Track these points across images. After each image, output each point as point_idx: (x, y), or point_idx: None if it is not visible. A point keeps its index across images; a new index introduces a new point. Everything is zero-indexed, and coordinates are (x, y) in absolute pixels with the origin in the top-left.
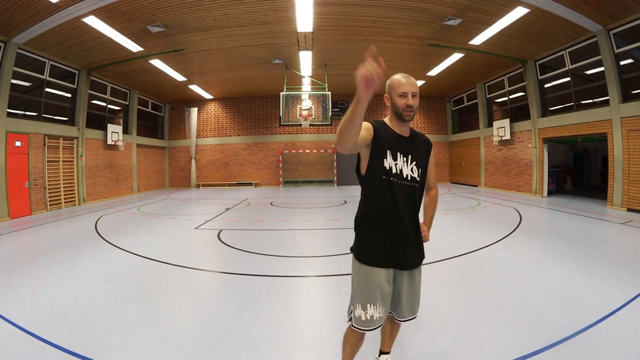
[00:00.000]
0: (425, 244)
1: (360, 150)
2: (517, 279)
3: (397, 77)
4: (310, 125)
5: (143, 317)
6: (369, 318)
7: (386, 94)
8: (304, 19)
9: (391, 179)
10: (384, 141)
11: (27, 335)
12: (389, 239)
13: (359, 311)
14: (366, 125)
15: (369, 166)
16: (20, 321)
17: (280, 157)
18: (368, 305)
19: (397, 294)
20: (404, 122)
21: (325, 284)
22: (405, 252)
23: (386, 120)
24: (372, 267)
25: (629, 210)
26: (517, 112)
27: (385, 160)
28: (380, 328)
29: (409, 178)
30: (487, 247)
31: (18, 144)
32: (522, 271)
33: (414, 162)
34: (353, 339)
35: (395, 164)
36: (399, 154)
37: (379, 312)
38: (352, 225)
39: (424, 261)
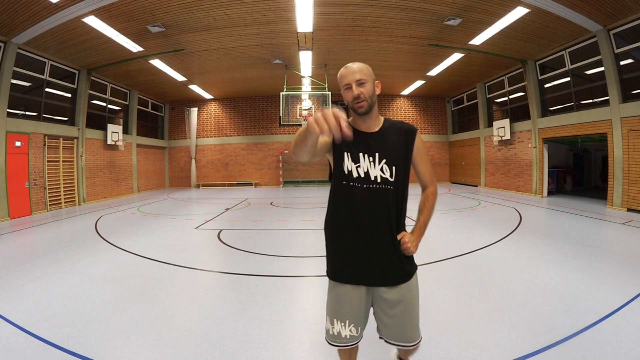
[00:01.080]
0: (420, 251)
1: (321, 157)
2: (517, 279)
3: (340, 70)
4: None
5: (143, 317)
6: (335, 334)
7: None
8: (304, 19)
9: (352, 183)
10: (342, 143)
11: (27, 335)
12: (354, 251)
13: (327, 324)
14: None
15: (331, 172)
16: (20, 321)
17: (280, 157)
18: (335, 320)
19: (379, 315)
20: (362, 116)
21: (325, 284)
22: (373, 266)
23: (350, 119)
24: (337, 282)
25: (629, 210)
26: (517, 112)
27: (343, 164)
28: (353, 347)
29: (378, 180)
30: (487, 247)
31: (18, 144)
32: (522, 271)
33: (384, 160)
34: (343, 353)
35: (358, 167)
36: (361, 154)
37: (350, 331)
38: None
39: (425, 263)
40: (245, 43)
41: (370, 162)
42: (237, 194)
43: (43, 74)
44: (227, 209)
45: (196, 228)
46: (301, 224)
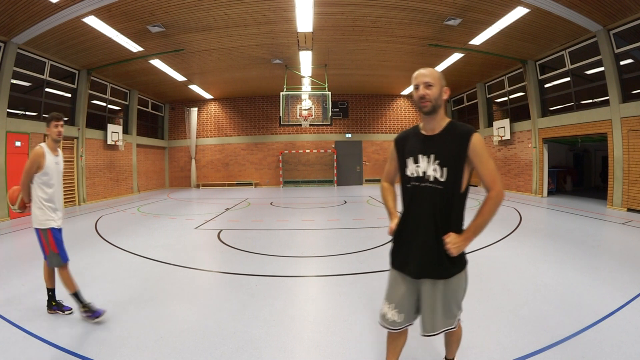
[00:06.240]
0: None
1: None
2: (517, 279)
3: (415, 72)
4: (310, 125)
5: (143, 317)
6: (382, 314)
7: None
8: (304, 19)
9: (412, 183)
10: (404, 152)
11: (27, 335)
12: (402, 242)
13: (381, 305)
14: (391, 155)
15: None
16: (21, 321)
17: (280, 157)
18: (385, 301)
19: (421, 304)
20: (426, 116)
21: (325, 284)
22: (411, 258)
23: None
24: (391, 266)
25: (629, 210)
26: (517, 112)
27: (406, 169)
28: (401, 332)
29: (430, 179)
30: (487, 247)
31: (18, 144)
32: (522, 271)
33: (437, 161)
34: (388, 337)
35: (418, 167)
36: (420, 156)
37: (393, 315)
38: (352, 225)
39: None
40: (245, 43)
41: (427, 162)
42: (237, 194)
43: (43, 74)
44: (227, 209)
45: (196, 228)
46: (301, 224)
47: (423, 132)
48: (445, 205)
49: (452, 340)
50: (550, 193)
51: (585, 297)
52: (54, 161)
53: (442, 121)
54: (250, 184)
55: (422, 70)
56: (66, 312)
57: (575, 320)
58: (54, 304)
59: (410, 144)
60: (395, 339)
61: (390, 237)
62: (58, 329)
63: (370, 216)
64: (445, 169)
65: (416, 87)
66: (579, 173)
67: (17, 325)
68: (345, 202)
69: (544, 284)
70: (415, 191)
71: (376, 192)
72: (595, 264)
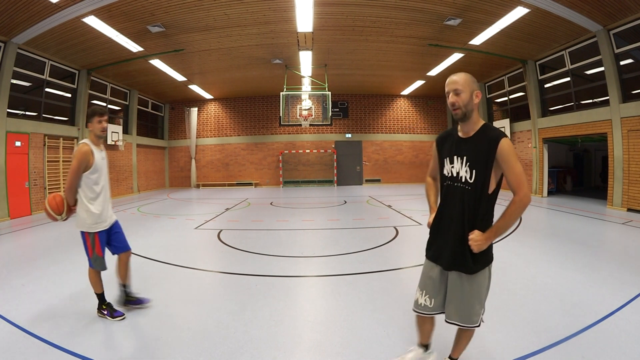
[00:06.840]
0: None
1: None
2: (517, 279)
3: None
4: (310, 125)
5: (143, 317)
6: (415, 300)
7: None
8: (304, 19)
9: (447, 182)
10: (443, 152)
11: (27, 335)
12: (436, 235)
13: (415, 293)
14: (433, 153)
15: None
16: (20, 321)
17: (280, 157)
18: (418, 288)
19: (447, 293)
20: (460, 122)
21: (325, 284)
22: (443, 250)
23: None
24: (425, 257)
25: (629, 210)
26: (517, 112)
27: (444, 168)
28: (429, 317)
29: (462, 180)
30: None
31: (18, 144)
32: (522, 271)
33: (468, 163)
34: (416, 320)
35: (452, 167)
36: (455, 157)
37: (424, 300)
38: (352, 225)
39: None
40: (245, 43)
41: (460, 163)
42: (237, 194)
43: (43, 74)
44: (227, 209)
45: (196, 228)
46: (301, 224)
47: (459, 134)
48: (473, 205)
49: (464, 338)
50: (550, 193)
51: (585, 297)
52: (100, 157)
53: (475, 124)
54: (250, 184)
55: (452, 77)
56: (141, 305)
57: (575, 320)
58: (132, 299)
59: (447, 145)
60: (424, 322)
61: (385, 235)
62: (58, 329)
63: (370, 216)
64: (474, 171)
65: (447, 94)
66: (579, 173)
67: (17, 325)
68: (345, 202)
69: (544, 284)
70: (449, 190)
71: (376, 192)
72: (595, 264)
